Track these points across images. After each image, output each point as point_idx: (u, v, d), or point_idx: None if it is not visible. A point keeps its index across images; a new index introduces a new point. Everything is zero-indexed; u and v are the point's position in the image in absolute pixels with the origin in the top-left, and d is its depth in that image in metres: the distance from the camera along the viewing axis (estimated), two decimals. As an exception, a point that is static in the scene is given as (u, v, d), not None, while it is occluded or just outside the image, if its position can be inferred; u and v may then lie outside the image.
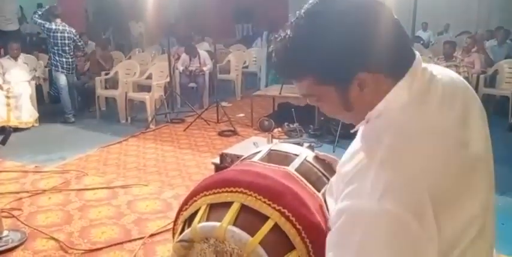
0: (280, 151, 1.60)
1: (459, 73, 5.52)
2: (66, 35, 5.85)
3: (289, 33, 0.86)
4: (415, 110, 0.83)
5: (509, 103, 5.69)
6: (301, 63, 0.85)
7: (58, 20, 5.85)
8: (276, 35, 0.90)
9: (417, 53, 0.88)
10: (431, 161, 0.79)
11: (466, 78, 5.54)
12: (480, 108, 0.92)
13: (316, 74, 0.85)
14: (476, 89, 5.95)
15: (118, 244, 2.58)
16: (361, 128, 0.94)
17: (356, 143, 0.94)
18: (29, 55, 6.10)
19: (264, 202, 1.27)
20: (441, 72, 0.92)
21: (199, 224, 1.27)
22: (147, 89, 6.13)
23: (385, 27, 0.82)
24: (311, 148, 2.37)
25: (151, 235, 2.67)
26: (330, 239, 0.85)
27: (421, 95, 0.85)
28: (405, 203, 0.74)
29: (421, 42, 9.72)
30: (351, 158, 0.91)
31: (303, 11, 0.86)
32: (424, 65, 0.88)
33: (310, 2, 0.87)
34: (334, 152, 4.19)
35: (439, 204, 0.76)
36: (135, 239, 2.63)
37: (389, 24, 0.84)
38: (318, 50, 0.82)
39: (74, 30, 5.99)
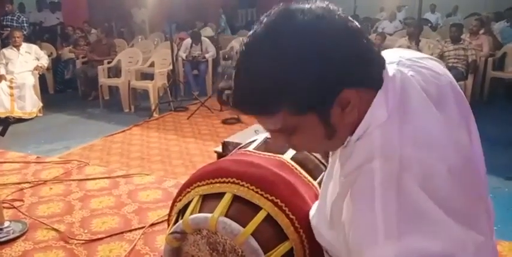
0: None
1: (467, 56, 5.42)
2: None
3: (248, 60, 0.73)
4: (396, 128, 0.74)
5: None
6: (272, 95, 0.71)
7: None
8: (231, 66, 0.78)
9: (385, 57, 0.79)
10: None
11: (474, 61, 5.42)
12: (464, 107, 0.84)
13: (292, 104, 0.72)
14: (484, 72, 5.83)
15: (118, 233, 2.56)
16: (338, 153, 0.85)
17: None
18: (31, 44, 6.06)
19: (257, 192, 1.22)
20: (418, 70, 0.82)
21: (191, 216, 1.24)
22: (150, 77, 6.07)
23: (353, 36, 0.73)
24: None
25: (152, 225, 2.65)
26: None
27: (398, 109, 0.75)
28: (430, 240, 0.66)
29: (429, 24, 9.50)
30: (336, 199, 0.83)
31: (258, 35, 0.73)
32: (392, 70, 0.79)
33: (262, 21, 0.73)
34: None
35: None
36: (135, 229, 2.61)
37: (355, 32, 0.74)
38: (289, 74, 0.69)
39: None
